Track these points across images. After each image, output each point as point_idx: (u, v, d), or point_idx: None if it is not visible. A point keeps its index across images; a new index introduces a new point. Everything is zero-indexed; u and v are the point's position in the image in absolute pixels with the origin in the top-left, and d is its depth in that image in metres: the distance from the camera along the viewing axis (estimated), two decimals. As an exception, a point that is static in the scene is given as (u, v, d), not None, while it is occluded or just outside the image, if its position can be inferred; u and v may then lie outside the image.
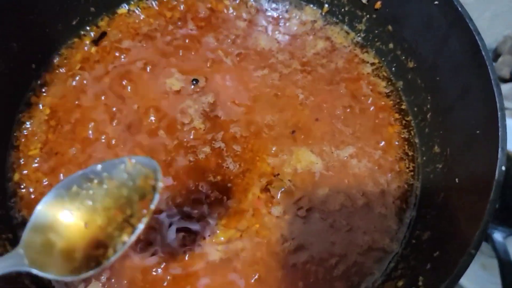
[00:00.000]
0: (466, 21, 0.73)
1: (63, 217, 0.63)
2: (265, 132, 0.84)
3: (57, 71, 0.88)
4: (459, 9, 0.75)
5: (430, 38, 0.82)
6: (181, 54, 0.92)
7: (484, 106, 0.69)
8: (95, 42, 0.92)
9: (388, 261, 0.77)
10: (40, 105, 0.85)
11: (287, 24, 0.97)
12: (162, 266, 0.73)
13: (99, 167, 0.65)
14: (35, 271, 0.57)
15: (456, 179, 0.72)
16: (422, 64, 0.85)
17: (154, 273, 0.73)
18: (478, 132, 0.70)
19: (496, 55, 1.27)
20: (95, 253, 0.61)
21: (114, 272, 0.73)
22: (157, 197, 0.61)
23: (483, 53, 0.70)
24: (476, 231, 0.60)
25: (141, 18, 0.96)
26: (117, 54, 0.91)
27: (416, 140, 0.87)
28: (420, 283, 0.66)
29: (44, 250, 0.60)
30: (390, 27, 0.90)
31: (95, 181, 0.65)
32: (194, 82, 0.88)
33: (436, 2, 0.78)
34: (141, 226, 0.60)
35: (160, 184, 0.62)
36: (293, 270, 0.74)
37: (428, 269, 0.66)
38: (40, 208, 0.62)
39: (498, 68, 1.23)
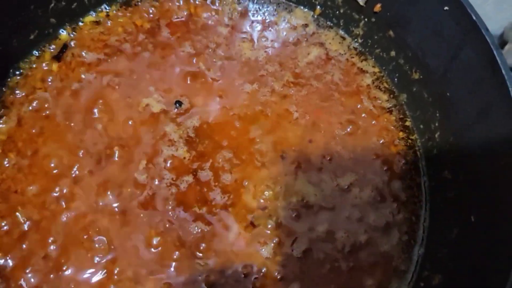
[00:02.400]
0: (482, 32, 0.63)
1: None
2: (258, 159, 0.74)
3: (14, 94, 0.77)
4: (474, 17, 0.65)
5: (438, 48, 0.72)
6: (156, 68, 0.81)
7: (506, 128, 0.60)
8: (57, 57, 0.81)
9: (395, 307, 0.68)
10: (-5, 135, 0.75)
11: (275, 29, 0.86)
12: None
13: None
14: None
15: (472, 217, 0.63)
16: (429, 76, 0.75)
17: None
18: (497, 157, 0.60)
19: (502, 42, 1.17)
20: None
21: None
22: None
23: (503, 70, 0.60)
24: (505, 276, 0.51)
25: (109, 28, 0.84)
26: (82, 70, 0.80)
27: (423, 163, 0.77)
28: None
29: None
30: (391, 33, 0.79)
31: None
32: (178, 104, 0.77)
33: (446, 8, 0.67)
34: None
35: None
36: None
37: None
38: None
39: (505, 56, 1.13)
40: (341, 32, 0.86)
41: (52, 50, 0.81)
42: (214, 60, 0.83)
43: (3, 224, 0.70)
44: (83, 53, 0.81)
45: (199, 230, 0.69)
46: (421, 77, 0.77)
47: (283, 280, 0.67)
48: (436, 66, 0.73)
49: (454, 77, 0.70)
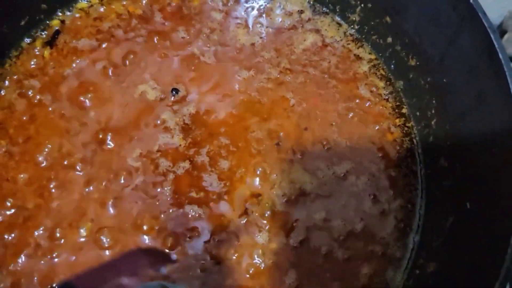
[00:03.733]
0: (479, 17, 0.62)
1: None
2: (253, 146, 0.73)
3: (5, 81, 0.76)
4: (471, 1, 0.64)
5: (436, 34, 0.71)
6: (151, 54, 0.79)
7: (502, 116, 0.59)
8: (48, 44, 0.79)
9: (390, 294, 0.68)
10: (-14, 123, 0.73)
11: (270, 15, 0.85)
12: None
13: None
14: None
15: (468, 204, 0.62)
16: (426, 63, 0.74)
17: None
18: (493, 146, 0.60)
19: (502, 31, 1.16)
20: None
21: None
22: None
23: (501, 57, 0.59)
24: (498, 269, 0.51)
25: (101, 13, 0.83)
26: (74, 57, 0.79)
27: (420, 151, 0.76)
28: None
29: None
30: (388, 19, 0.78)
31: None
32: (174, 92, 0.76)
33: (443, -7, 0.66)
34: None
35: None
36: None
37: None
38: None
39: (504, 46, 1.12)
40: (337, 18, 0.85)
41: (43, 37, 0.80)
42: (208, 45, 0.82)
43: (-5, 212, 0.69)
44: (75, 40, 0.80)
45: (196, 215, 0.69)
46: (417, 63, 0.76)
47: (278, 267, 0.67)
48: (433, 52, 0.72)
49: (451, 64, 0.69)
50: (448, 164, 0.70)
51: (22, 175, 0.71)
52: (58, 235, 0.68)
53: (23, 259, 0.66)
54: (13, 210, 0.69)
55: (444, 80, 0.70)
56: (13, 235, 0.67)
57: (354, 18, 0.83)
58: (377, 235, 0.70)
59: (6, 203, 0.69)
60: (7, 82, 0.76)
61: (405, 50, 0.77)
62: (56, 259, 0.66)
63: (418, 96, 0.77)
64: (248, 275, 0.66)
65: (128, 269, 0.63)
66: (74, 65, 0.78)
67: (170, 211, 0.69)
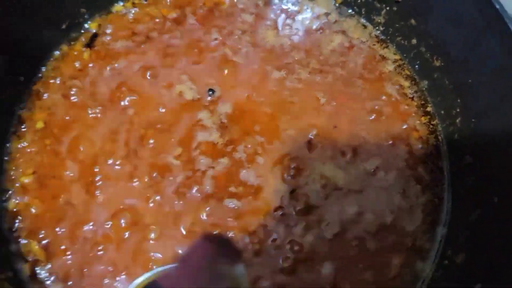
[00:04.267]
0: (504, 21, 0.65)
1: None
2: (286, 143, 0.77)
3: (48, 83, 0.80)
4: (496, 5, 0.67)
5: (460, 36, 0.74)
6: (185, 56, 0.83)
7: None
8: (87, 46, 0.83)
9: (419, 284, 0.72)
10: (32, 122, 0.77)
11: (299, 17, 0.88)
12: None
13: None
14: None
15: (495, 198, 0.66)
16: (450, 64, 0.78)
17: None
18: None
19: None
20: None
21: None
22: None
23: (527, 59, 0.63)
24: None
25: (137, 16, 0.86)
26: (112, 59, 0.82)
27: (445, 148, 0.80)
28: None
29: None
30: (413, 21, 0.82)
31: None
32: (211, 92, 0.80)
33: (468, -3, 0.70)
34: None
35: None
36: (320, 299, 0.69)
37: (470, 304, 0.61)
38: None
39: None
40: (363, 20, 0.88)
41: (82, 40, 0.83)
42: (239, 46, 0.85)
43: (43, 208, 0.73)
44: (113, 42, 0.83)
45: (236, 207, 0.72)
46: (442, 64, 0.79)
47: (314, 259, 0.71)
48: (457, 53, 0.76)
49: (475, 64, 0.73)
50: (473, 161, 0.73)
51: (67, 172, 0.75)
52: (104, 228, 0.71)
53: (72, 252, 0.70)
54: (61, 206, 0.72)
55: (469, 80, 0.74)
56: (63, 229, 0.71)
57: (379, 20, 0.87)
58: (406, 228, 0.74)
59: (54, 199, 0.73)
60: (50, 84, 0.79)
61: (430, 51, 0.81)
62: (102, 252, 0.70)
63: (442, 95, 0.80)
64: (285, 266, 0.70)
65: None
66: (112, 66, 0.82)
67: (211, 205, 0.73)
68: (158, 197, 0.73)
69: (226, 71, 0.82)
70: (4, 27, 0.71)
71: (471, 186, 0.73)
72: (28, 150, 0.75)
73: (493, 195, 0.67)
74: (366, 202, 0.74)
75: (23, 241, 0.71)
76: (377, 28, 0.88)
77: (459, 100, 0.77)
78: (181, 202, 0.73)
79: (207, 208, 0.73)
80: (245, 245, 0.71)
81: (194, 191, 0.73)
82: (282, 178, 0.75)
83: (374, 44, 0.87)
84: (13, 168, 0.74)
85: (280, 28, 0.87)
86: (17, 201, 0.72)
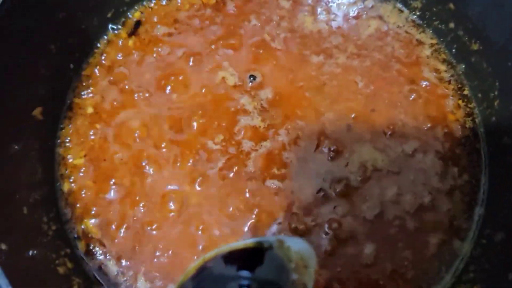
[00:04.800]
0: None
1: None
2: (326, 127, 0.79)
3: (96, 70, 0.83)
4: (538, -11, 0.68)
5: (500, 20, 0.75)
6: (226, 42, 0.85)
7: None
8: (132, 33, 0.86)
9: (457, 262, 0.74)
10: (83, 108, 0.81)
11: (336, 3, 0.90)
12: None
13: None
14: None
15: (534, 179, 0.68)
16: (489, 47, 0.78)
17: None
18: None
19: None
20: None
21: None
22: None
23: None
24: None
25: (178, 4, 0.89)
26: (155, 46, 0.85)
27: (482, 130, 0.81)
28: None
29: None
30: (451, 5, 0.82)
31: None
32: (252, 78, 0.82)
33: (510, -20, 0.71)
34: None
35: (312, 271, 0.58)
36: (362, 274, 0.72)
37: (511, 280, 0.63)
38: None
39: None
40: (399, 5, 0.89)
41: (127, 28, 0.86)
42: (278, 32, 0.87)
43: (96, 189, 0.77)
44: (156, 29, 0.86)
45: (277, 187, 0.76)
46: (480, 48, 0.80)
47: (356, 239, 0.73)
48: (496, 37, 0.77)
49: (516, 47, 0.74)
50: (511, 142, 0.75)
51: (117, 155, 0.78)
52: (153, 209, 0.75)
53: (124, 232, 0.74)
54: (112, 188, 0.76)
55: (509, 63, 0.75)
56: (115, 210, 0.75)
57: (416, 5, 0.88)
58: (444, 208, 0.76)
59: (105, 181, 0.77)
60: (97, 71, 0.83)
61: (468, 35, 0.82)
62: (153, 232, 0.74)
63: (480, 78, 0.81)
64: (329, 248, 0.73)
65: None
66: (156, 53, 0.84)
67: (254, 186, 0.76)
68: (203, 179, 0.77)
69: (265, 57, 0.84)
70: (55, 18, 0.74)
71: (508, 167, 0.75)
72: (80, 134, 0.79)
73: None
74: (405, 183, 0.77)
75: (78, 221, 0.75)
76: (413, 12, 0.89)
77: (497, 83, 0.78)
78: (225, 184, 0.76)
79: (249, 189, 0.76)
80: (287, 225, 0.74)
81: (237, 173, 0.76)
82: (322, 160, 0.77)
83: (411, 29, 0.88)
84: (66, 151, 0.78)
85: (318, 14, 0.89)
86: (71, 183, 0.76)
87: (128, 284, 0.72)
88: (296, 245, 0.61)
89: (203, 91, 0.82)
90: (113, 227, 0.74)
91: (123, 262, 0.73)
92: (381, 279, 0.72)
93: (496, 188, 0.76)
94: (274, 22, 0.88)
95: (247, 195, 0.76)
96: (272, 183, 0.76)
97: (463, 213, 0.76)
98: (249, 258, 0.60)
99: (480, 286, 0.68)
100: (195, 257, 0.72)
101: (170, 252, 0.73)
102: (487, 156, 0.80)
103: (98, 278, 0.72)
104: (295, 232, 0.73)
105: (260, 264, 0.60)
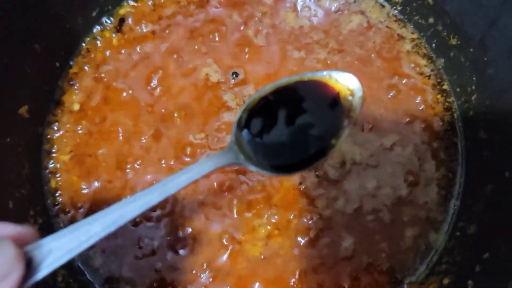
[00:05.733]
0: (520, 0, 0.67)
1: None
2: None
3: (82, 68, 0.85)
4: (512, -15, 0.69)
5: (477, 15, 0.76)
6: (209, 37, 0.87)
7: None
8: (116, 31, 0.87)
9: (432, 254, 0.76)
10: (69, 105, 0.83)
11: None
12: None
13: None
14: (251, 167, 0.58)
15: (507, 172, 0.69)
16: (467, 42, 0.79)
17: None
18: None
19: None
20: None
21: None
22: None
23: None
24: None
25: (162, 1, 0.90)
26: (140, 43, 0.87)
27: (460, 124, 0.82)
28: (469, 288, 0.65)
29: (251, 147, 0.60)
30: (430, 0, 0.83)
31: None
32: (234, 75, 0.84)
33: (485, -24, 0.71)
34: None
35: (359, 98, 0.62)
36: (339, 267, 0.74)
37: (478, 272, 0.65)
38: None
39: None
40: (381, 0, 0.90)
41: (111, 25, 0.88)
42: (260, 28, 0.88)
43: (81, 185, 0.79)
44: (140, 26, 0.88)
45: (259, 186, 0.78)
46: (458, 42, 0.81)
47: (332, 233, 0.75)
48: (474, 32, 0.77)
49: (491, 43, 0.74)
50: (488, 136, 0.76)
51: (102, 151, 0.80)
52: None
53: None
54: (97, 183, 0.79)
55: (485, 58, 0.76)
56: (100, 205, 0.77)
57: (396, 0, 0.88)
58: (421, 201, 0.78)
59: (90, 176, 0.79)
60: (83, 69, 0.85)
61: (446, 30, 0.83)
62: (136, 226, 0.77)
63: (458, 73, 0.82)
64: (305, 239, 0.75)
65: None
66: (140, 50, 0.86)
67: (239, 180, 0.78)
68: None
69: (248, 53, 0.86)
70: (39, 17, 0.76)
71: (484, 161, 0.76)
72: (66, 131, 0.81)
73: (505, 170, 0.70)
74: (383, 177, 0.78)
75: (65, 214, 0.77)
76: (394, 7, 0.89)
77: (474, 78, 0.79)
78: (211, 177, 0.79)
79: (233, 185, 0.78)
80: (267, 218, 0.76)
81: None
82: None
83: (392, 24, 0.89)
84: (53, 148, 0.81)
85: (299, 10, 0.90)
86: (58, 178, 0.79)
87: (109, 274, 0.75)
88: (342, 77, 0.64)
89: (187, 87, 0.83)
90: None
91: (107, 255, 0.76)
92: (357, 271, 0.74)
93: (472, 182, 0.78)
94: (257, 19, 0.89)
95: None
96: (254, 178, 0.78)
97: (439, 205, 0.78)
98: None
99: (450, 277, 0.70)
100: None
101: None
102: (464, 150, 0.81)
103: (83, 269, 0.75)
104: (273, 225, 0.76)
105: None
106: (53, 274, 0.70)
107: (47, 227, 0.76)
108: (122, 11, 0.88)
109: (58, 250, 0.43)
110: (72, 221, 0.77)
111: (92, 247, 0.75)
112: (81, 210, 0.77)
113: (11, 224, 0.42)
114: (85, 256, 0.76)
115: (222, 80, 0.84)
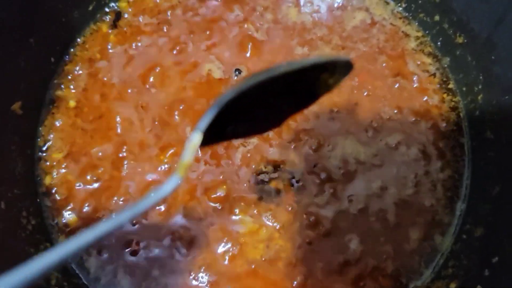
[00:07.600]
0: (530, -3, 0.65)
1: None
2: (309, 119, 0.79)
3: (77, 63, 0.82)
4: (521, -18, 0.67)
5: (484, 12, 0.74)
6: (209, 33, 0.84)
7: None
8: (113, 26, 0.85)
9: (438, 257, 0.74)
10: (65, 102, 0.80)
11: (321, -6, 0.89)
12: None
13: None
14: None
15: (515, 173, 0.67)
16: (473, 40, 0.77)
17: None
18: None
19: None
20: None
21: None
22: None
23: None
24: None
25: (161, -5, 0.88)
26: (138, 37, 0.84)
27: (466, 124, 0.81)
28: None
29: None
30: (436, -3, 0.82)
31: None
32: (237, 72, 0.82)
33: (493, -28, 0.69)
34: None
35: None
36: (343, 270, 0.72)
37: (487, 277, 0.63)
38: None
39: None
40: (385, -3, 0.88)
41: (108, 20, 0.85)
42: (261, 23, 0.86)
43: (76, 183, 0.76)
44: (138, 21, 0.85)
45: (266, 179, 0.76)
46: (465, 41, 0.79)
47: (340, 233, 0.73)
48: (480, 30, 0.76)
49: (499, 41, 0.73)
50: (494, 137, 0.74)
51: (97, 149, 0.78)
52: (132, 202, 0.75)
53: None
54: (93, 181, 0.76)
55: (492, 57, 0.74)
56: (95, 204, 0.75)
57: (402, -3, 0.87)
58: (427, 203, 0.76)
59: (85, 174, 0.76)
60: (79, 65, 0.82)
61: (453, 28, 0.81)
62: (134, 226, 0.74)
63: (464, 72, 0.81)
64: (306, 240, 0.73)
65: None
66: (138, 44, 0.84)
67: (238, 177, 0.76)
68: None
69: (249, 49, 0.84)
70: (34, 11, 0.73)
71: (491, 162, 0.74)
72: (60, 128, 0.79)
73: (513, 170, 0.68)
74: (388, 177, 0.76)
75: (58, 214, 0.75)
76: (399, 5, 0.87)
77: (481, 77, 0.77)
78: (213, 173, 0.76)
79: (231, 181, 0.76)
80: (268, 220, 0.74)
81: (224, 163, 0.76)
82: (304, 152, 0.77)
83: (396, 21, 0.87)
84: (48, 145, 0.78)
85: (302, 5, 0.87)
86: (52, 177, 0.76)
87: (107, 278, 0.72)
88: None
89: (186, 84, 0.81)
90: (94, 218, 0.74)
91: (103, 256, 0.73)
92: (362, 273, 0.72)
93: (478, 183, 0.76)
94: (258, 13, 0.87)
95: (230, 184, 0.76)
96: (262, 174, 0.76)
97: (445, 207, 0.76)
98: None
99: (457, 282, 0.68)
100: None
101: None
102: (470, 151, 0.79)
103: (77, 272, 0.72)
104: (276, 220, 0.74)
105: None
106: (47, 277, 0.68)
107: (41, 229, 0.73)
108: (119, 4, 0.86)
109: None
110: (67, 223, 0.74)
111: (87, 249, 0.73)
112: (76, 210, 0.75)
113: None
114: (79, 258, 0.73)
115: (225, 77, 0.82)
